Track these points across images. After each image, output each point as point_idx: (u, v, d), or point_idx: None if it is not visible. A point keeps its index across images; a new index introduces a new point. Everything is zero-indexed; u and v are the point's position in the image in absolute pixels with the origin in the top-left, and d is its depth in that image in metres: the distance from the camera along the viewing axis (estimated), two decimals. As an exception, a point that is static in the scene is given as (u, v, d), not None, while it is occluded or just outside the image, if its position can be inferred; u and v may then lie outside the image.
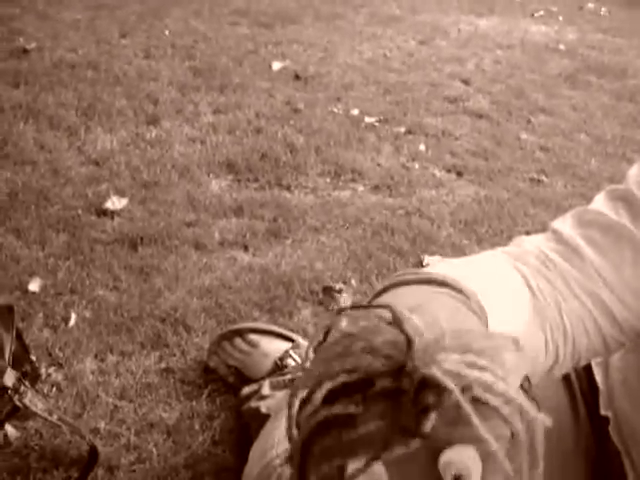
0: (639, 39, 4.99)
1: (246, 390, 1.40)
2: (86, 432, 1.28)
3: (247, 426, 1.36)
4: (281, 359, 1.44)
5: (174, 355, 1.54)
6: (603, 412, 0.96)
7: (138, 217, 2.05)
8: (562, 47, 4.50)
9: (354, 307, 0.47)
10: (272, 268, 1.87)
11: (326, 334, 0.44)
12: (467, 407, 0.39)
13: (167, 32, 3.94)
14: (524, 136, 2.98)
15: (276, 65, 3.56)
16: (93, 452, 1.24)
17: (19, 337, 1.36)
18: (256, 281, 1.81)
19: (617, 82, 3.87)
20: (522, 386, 0.61)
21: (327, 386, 0.41)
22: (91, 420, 1.35)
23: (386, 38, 4.34)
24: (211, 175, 2.37)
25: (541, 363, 0.68)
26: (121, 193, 2.16)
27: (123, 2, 4.52)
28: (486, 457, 0.39)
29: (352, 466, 0.40)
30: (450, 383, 0.39)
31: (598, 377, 0.98)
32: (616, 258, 0.69)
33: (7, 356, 1.26)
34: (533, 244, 0.72)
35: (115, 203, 2.10)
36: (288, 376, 1.37)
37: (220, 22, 4.28)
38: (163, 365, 1.51)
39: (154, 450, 1.31)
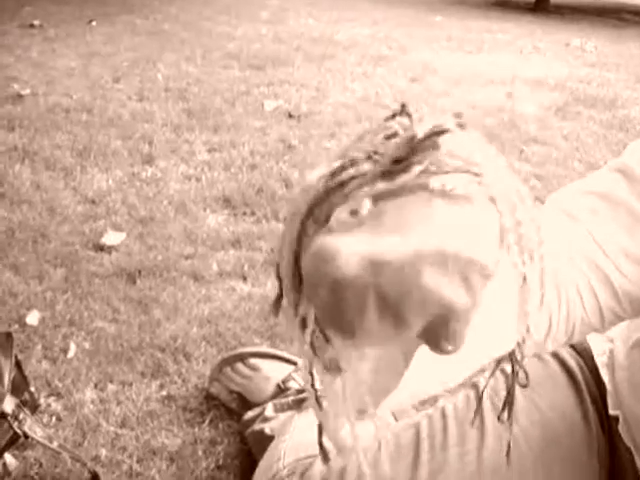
0: (626, 72, 5.06)
1: (249, 414, 1.38)
2: (87, 460, 1.26)
3: (251, 451, 1.33)
4: (284, 382, 1.42)
5: (175, 383, 1.52)
6: (612, 412, 0.95)
7: (135, 251, 2.04)
8: (551, 81, 4.56)
9: None
10: (271, 297, 1.86)
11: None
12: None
13: (160, 76, 3.99)
14: (518, 165, 2.99)
15: (269, 105, 3.59)
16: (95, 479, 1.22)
17: (18, 366, 1.34)
18: (256, 310, 1.80)
19: (607, 112, 3.91)
20: (512, 356, 0.60)
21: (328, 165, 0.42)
22: (92, 448, 1.33)
23: (377, 77, 4.40)
24: (207, 210, 2.38)
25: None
26: (118, 229, 2.16)
27: (116, 50, 4.58)
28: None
29: (336, 215, 0.39)
30: (449, 123, 0.40)
31: (605, 377, 0.97)
32: (613, 225, 0.69)
33: (6, 383, 1.24)
34: None
35: (112, 238, 2.09)
36: (291, 398, 1.36)
37: (212, 65, 4.33)
38: (164, 393, 1.49)
39: (157, 477, 1.29)
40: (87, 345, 1.61)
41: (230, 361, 1.49)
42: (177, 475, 1.29)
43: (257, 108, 3.54)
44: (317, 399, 0.46)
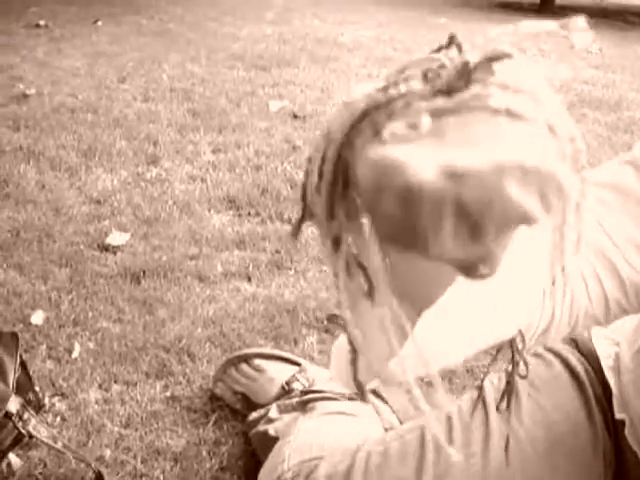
0: (631, 74, 5.05)
1: (253, 415, 1.38)
2: (91, 460, 1.26)
3: (255, 452, 1.33)
4: (288, 383, 1.42)
5: (179, 383, 1.52)
6: (618, 415, 0.94)
7: (140, 251, 2.05)
8: (556, 83, 4.55)
9: None
10: (276, 298, 1.86)
11: None
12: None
13: (165, 76, 3.99)
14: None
15: (274, 105, 3.59)
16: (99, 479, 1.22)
17: (23, 366, 1.35)
18: (260, 310, 1.80)
19: (612, 114, 3.90)
20: (513, 344, 0.59)
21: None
22: (96, 448, 1.33)
23: (382, 78, 4.39)
24: (212, 210, 2.38)
25: (536, 322, 0.66)
26: (123, 229, 2.17)
27: (121, 50, 4.58)
28: None
29: (390, 127, 0.37)
30: (508, 49, 0.39)
31: (611, 381, 0.97)
32: (622, 215, 0.68)
33: (11, 383, 1.24)
34: None
35: (117, 238, 2.10)
36: (295, 399, 1.35)
37: (217, 66, 4.34)
38: (168, 393, 1.49)
39: (161, 477, 1.29)
40: (91, 345, 1.62)
41: (234, 362, 1.49)
42: (181, 476, 1.29)
43: (262, 109, 3.54)
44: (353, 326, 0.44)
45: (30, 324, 1.66)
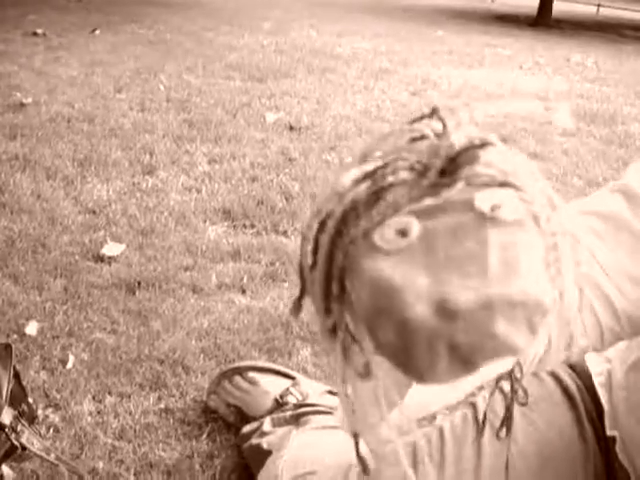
0: (625, 87, 5.07)
1: (247, 428, 1.38)
2: (84, 472, 1.26)
3: (248, 465, 1.33)
4: (282, 396, 1.42)
5: (173, 396, 1.52)
6: (609, 432, 0.95)
7: (135, 262, 2.05)
8: (551, 96, 4.57)
9: None
10: (270, 310, 1.86)
11: None
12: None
13: (162, 87, 4.00)
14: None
15: (270, 117, 3.61)
16: (92, 492, 1.22)
17: (16, 377, 1.34)
18: (255, 323, 1.80)
19: (606, 128, 3.92)
20: (512, 374, 0.60)
21: (359, 166, 0.41)
22: (89, 461, 1.33)
23: (378, 90, 4.41)
24: (207, 222, 2.38)
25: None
26: (118, 240, 2.17)
27: (118, 60, 4.60)
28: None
29: (381, 232, 0.39)
30: (491, 137, 0.40)
31: (603, 398, 0.97)
32: (615, 246, 0.69)
33: (4, 394, 1.24)
34: None
35: (112, 249, 2.10)
36: (289, 413, 1.36)
37: (214, 76, 4.35)
38: (162, 405, 1.49)
39: (154, 490, 1.29)
40: (86, 356, 1.61)
41: (228, 374, 1.49)
42: (174, 489, 1.29)
43: (258, 120, 3.56)
44: (351, 407, 0.46)
45: (24, 335, 1.66)
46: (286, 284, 2.01)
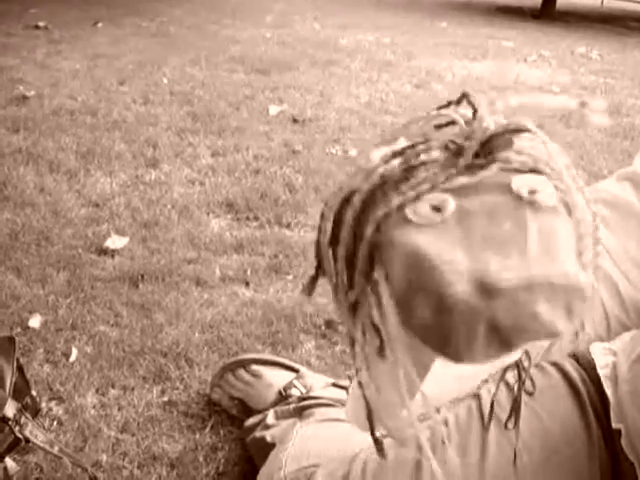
0: (630, 79, 5.05)
1: (250, 421, 1.38)
2: (88, 465, 1.26)
3: (252, 458, 1.33)
4: (285, 389, 1.42)
5: (176, 389, 1.52)
6: (615, 425, 0.94)
7: (138, 255, 2.04)
8: (555, 89, 4.56)
9: None
10: (274, 303, 1.86)
11: None
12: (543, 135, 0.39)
13: (165, 79, 3.99)
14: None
15: (273, 109, 3.60)
16: (95, 485, 1.22)
17: (20, 370, 1.34)
18: (258, 315, 1.80)
19: (611, 120, 3.90)
20: (519, 364, 0.59)
21: (389, 145, 0.40)
22: (93, 453, 1.33)
23: (382, 82, 4.40)
24: (211, 214, 2.38)
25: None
26: (121, 233, 2.16)
27: (121, 52, 4.59)
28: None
29: (414, 207, 0.38)
30: (526, 123, 0.40)
31: (608, 390, 0.97)
32: (622, 233, 0.69)
33: (8, 387, 1.24)
34: None
35: (115, 242, 2.10)
36: (293, 405, 1.35)
37: (217, 69, 4.34)
38: (165, 398, 1.49)
39: (157, 483, 1.29)
40: (89, 349, 1.61)
41: (232, 367, 1.49)
42: (178, 481, 1.29)
43: (261, 112, 3.55)
44: (370, 385, 0.45)
45: (28, 328, 1.66)
46: (290, 277, 2.01)
